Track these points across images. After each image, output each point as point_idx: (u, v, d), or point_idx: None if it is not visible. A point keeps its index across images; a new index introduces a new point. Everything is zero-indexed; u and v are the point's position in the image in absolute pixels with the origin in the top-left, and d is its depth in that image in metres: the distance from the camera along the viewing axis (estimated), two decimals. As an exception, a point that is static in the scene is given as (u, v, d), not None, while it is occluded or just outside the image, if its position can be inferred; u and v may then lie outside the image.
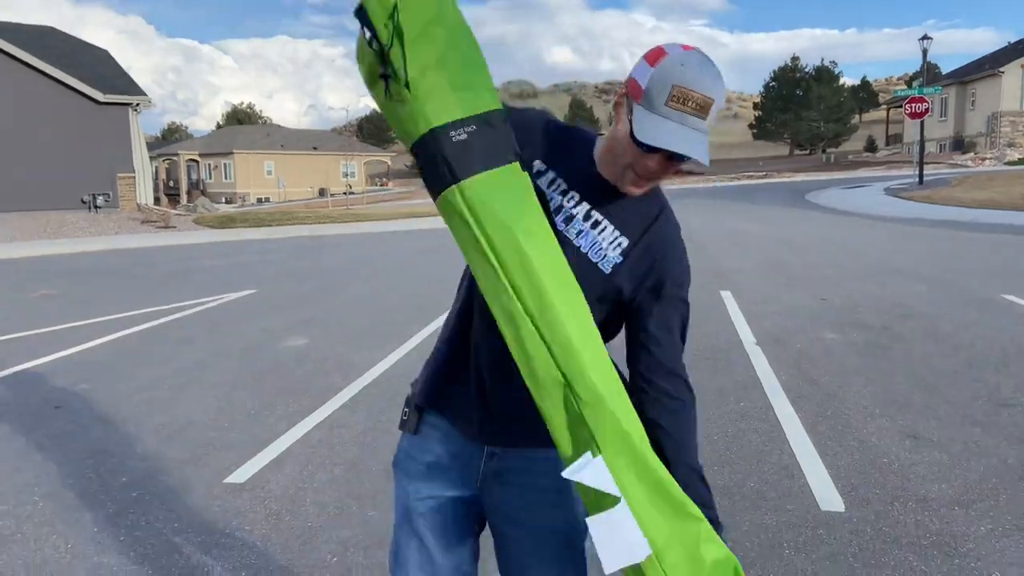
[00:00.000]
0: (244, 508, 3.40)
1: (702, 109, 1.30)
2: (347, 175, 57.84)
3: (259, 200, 51.08)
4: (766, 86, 70.24)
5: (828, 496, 3.40)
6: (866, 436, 4.10)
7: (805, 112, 63.92)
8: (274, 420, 4.55)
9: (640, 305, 1.46)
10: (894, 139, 58.45)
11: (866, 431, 4.17)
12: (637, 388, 1.44)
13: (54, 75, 23.02)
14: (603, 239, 1.44)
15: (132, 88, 25.72)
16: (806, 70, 67.68)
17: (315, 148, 58.78)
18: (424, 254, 13.79)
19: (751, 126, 72.56)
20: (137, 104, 25.11)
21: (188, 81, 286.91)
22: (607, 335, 1.47)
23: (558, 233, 1.40)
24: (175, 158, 55.53)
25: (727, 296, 8.28)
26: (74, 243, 17.55)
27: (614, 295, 1.46)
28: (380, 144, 72.11)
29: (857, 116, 73.93)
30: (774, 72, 69.25)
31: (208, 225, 23.24)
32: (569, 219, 1.45)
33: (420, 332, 6.78)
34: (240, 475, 3.76)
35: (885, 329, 6.58)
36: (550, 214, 1.41)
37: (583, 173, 1.46)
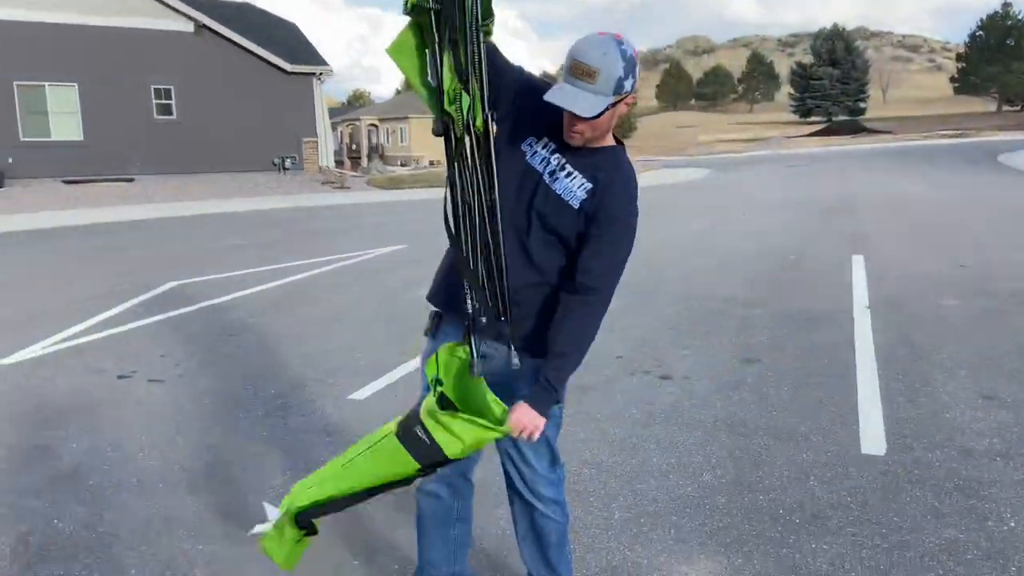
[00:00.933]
0: (362, 418, 4.14)
1: (587, 75, 1.78)
2: (514, 137, 58.91)
3: (431, 163, 53.45)
4: (972, 35, 63.89)
5: (874, 442, 3.63)
6: (939, 394, 4.22)
7: (1016, 63, 57.60)
8: (397, 354, 5.30)
9: (587, 230, 1.97)
10: (1123, 92, 51.44)
11: (942, 389, 4.28)
12: (563, 287, 2.00)
13: (250, 48, 25.38)
14: (574, 184, 1.97)
15: (316, 58, 27.82)
16: (1019, 17, 60.75)
17: (485, 111, 60.22)
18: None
19: (952, 79, 66.39)
20: (320, 73, 27.18)
21: (373, 48, 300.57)
22: None
23: (546, 186, 1.98)
24: (357, 123, 59.04)
25: (858, 260, 8.19)
26: (263, 200, 19.57)
27: (583, 227, 1.98)
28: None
29: (1079, 67, 65.53)
30: (982, 20, 62.78)
31: (378, 186, 24.96)
32: (552, 172, 1.99)
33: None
34: (361, 393, 4.52)
35: (1012, 296, 6.37)
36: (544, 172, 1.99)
37: (560, 137, 1.99)
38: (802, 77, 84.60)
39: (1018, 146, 32.36)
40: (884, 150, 39.59)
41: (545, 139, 2.00)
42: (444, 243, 2.08)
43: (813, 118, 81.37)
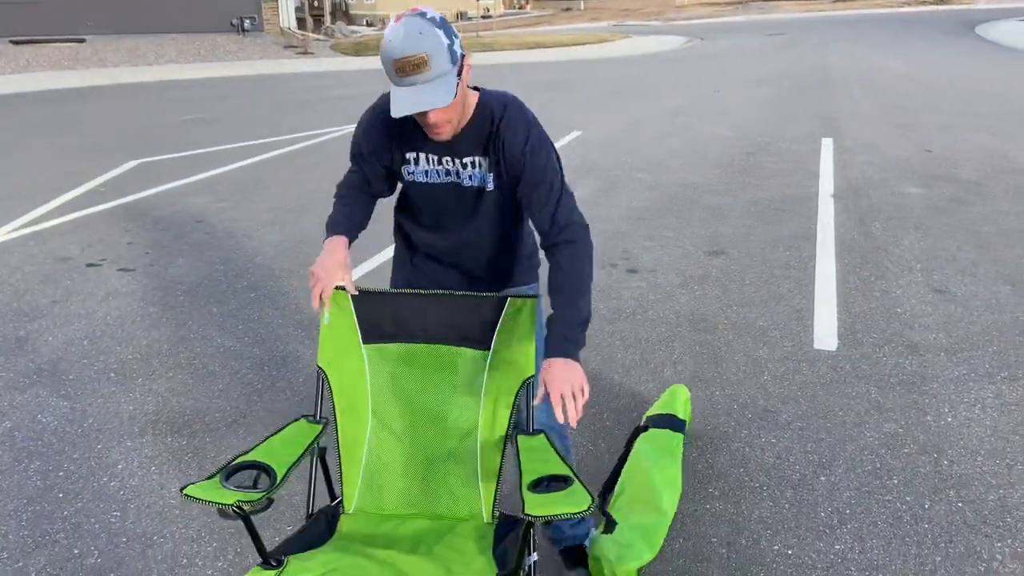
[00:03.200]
0: (333, 311, 4.22)
1: (418, 67, 1.59)
2: (485, -3, 56.50)
3: (398, 23, 51.17)
4: None
5: (826, 337, 3.82)
6: (892, 288, 4.40)
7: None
8: (373, 241, 5.32)
9: (520, 193, 1.87)
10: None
11: (895, 284, 4.46)
12: (541, 245, 1.92)
13: None
14: (475, 170, 1.85)
15: (272, -92, 26.01)
16: None
17: (454, -32, 57.31)
18: (536, 89, 13.99)
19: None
20: (278, -75, 25.50)
21: None
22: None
23: (454, 185, 1.88)
24: (318, -22, 55.87)
25: (827, 144, 8.22)
26: (223, 67, 18.81)
27: (508, 199, 1.90)
28: (520, -37, 69.17)
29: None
30: None
31: (344, 52, 24.02)
32: (452, 172, 1.87)
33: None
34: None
35: (975, 184, 6.51)
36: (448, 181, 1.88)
37: (428, 140, 1.82)
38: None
39: (996, 16, 31.81)
40: (864, 17, 38.67)
41: (417, 153, 1.87)
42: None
43: (794, -20, 78.46)
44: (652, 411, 2.95)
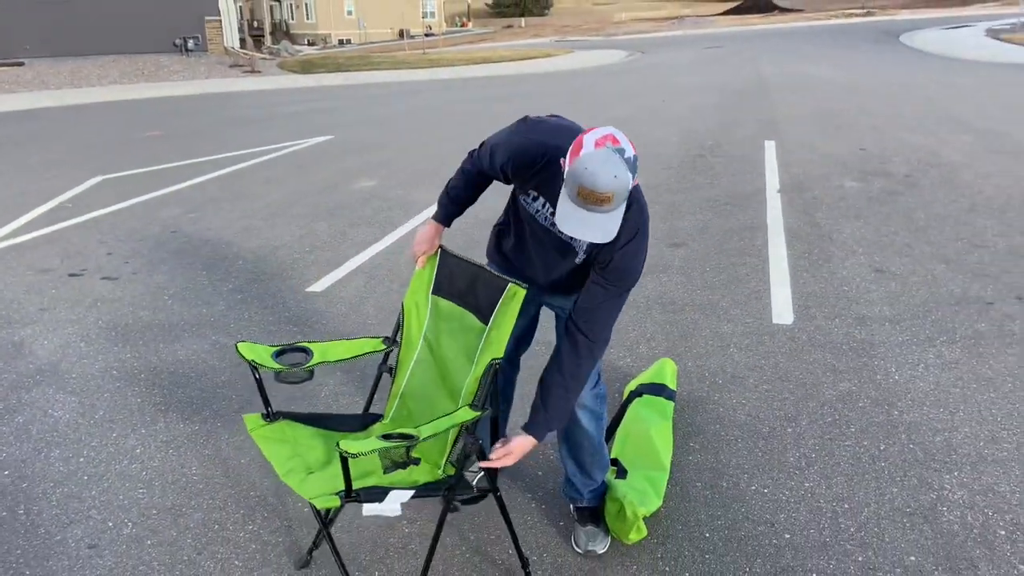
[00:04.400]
0: (320, 309, 4.41)
1: (602, 202, 1.75)
2: (426, 15, 56.97)
3: (340, 42, 51.26)
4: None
5: (783, 313, 4.16)
6: (839, 270, 4.78)
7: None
8: (346, 246, 5.53)
9: (592, 269, 2.04)
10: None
11: (841, 266, 4.85)
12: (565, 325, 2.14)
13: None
14: (580, 241, 2.06)
15: (213, -72, 25.95)
16: None
17: (395, -14, 57.65)
18: (490, 102, 14.32)
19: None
20: (218, -55, 25.45)
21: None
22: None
23: (553, 235, 2.12)
24: (257, -2, 55.60)
25: (770, 146, 8.70)
26: (171, 86, 18.71)
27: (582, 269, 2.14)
28: (460, -19, 69.86)
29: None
30: None
31: (291, 70, 24.05)
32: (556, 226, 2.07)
33: (476, 175, 7.59)
34: (318, 286, 4.77)
35: (906, 177, 7.01)
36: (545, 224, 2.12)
37: (553, 189, 2.03)
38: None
39: (919, 25, 33.40)
40: (795, 30, 40.17)
41: (539, 195, 2.08)
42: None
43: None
44: (643, 379, 3.23)
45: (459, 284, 2.28)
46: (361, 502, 1.85)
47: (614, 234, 1.81)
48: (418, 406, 2.30)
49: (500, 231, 2.40)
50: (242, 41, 34.46)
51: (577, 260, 2.13)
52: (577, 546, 2.45)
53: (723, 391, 3.37)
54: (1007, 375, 3.43)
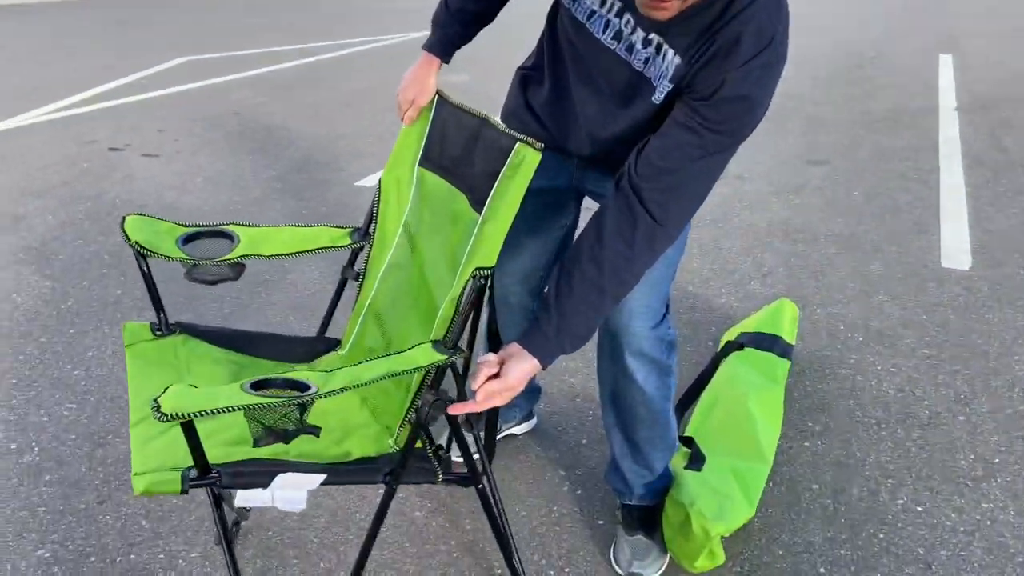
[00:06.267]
0: (363, 205, 3.68)
1: None
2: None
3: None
4: None
5: (956, 255, 3.09)
6: (1037, 206, 3.61)
7: None
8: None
9: (674, 108, 1.21)
10: None
11: (1041, 201, 3.66)
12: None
13: None
14: (657, 64, 1.20)
15: None
16: None
17: None
18: None
19: None
20: None
21: None
22: None
23: (617, 58, 1.24)
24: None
25: (945, 60, 7.20)
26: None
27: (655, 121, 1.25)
28: None
29: None
30: None
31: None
32: (626, 40, 1.23)
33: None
34: (369, 180, 4.03)
35: None
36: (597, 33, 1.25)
37: None
38: None
39: None
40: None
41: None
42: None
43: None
44: (749, 326, 2.31)
45: (452, 149, 1.44)
46: (223, 487, 1.09)
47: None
48: (388, 332, 1.51)
49: (526, 77, 1.52)
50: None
51: (655, 99, 1.23)
52: (617, 564, 1.63)
53: (864, 352, 2.41)
54: None
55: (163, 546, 1.69)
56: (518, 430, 2.04)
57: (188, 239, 1.51)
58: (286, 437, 1.06)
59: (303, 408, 1.06)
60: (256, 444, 1.07)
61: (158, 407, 0.92)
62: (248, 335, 1.56)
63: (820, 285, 2.85)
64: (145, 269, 1.46)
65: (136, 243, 1.42)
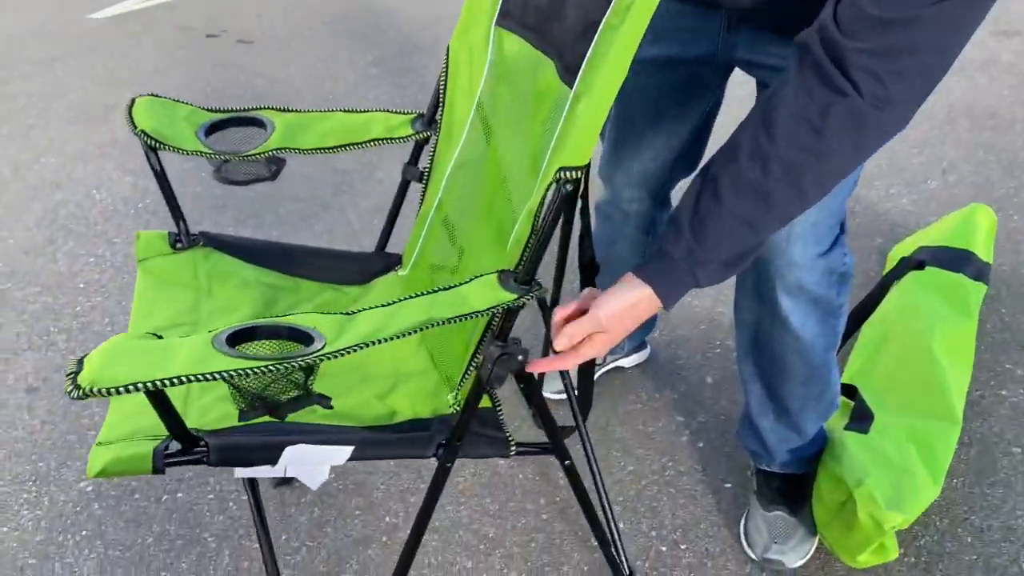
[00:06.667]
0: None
1: None
2: None
3: None
4: None
5: None
6: None
7: None
8: None
9: None
10: None
11: None
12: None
13: None
14: None
15: None
16: None
17: None
18: None
19: None
20: None
21: None
22: None
23: None
24: None
25: None
26: None
27: None
28: None
29: None
30: None
31: None
32: None
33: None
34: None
35: None
36: None
37: None
38: None
39: None
40: None
41: None
42: None
43: None
44: (930, 239, 1.82)
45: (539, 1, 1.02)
46: (211, 465, 0.80)
47: None
48: (459, 246, 1.16)
49: None
50: None
51: None
52: (750, 545, 1.28)
53: (1081, 274, 1.88)
54: None
55: (214, 486, 1.47)
56: (627, 362, 1.68)
57: (211, 128, 1.20)
58: (281, 409, 0.75)
59: (309, 370, 0.74)
60: (243, 416, 0.76)
61: (75, 374, 0.62)
62: (288, 249, 1.25)
63: (1018, 184, 2.29)
64: (156, 166, 1.16)
65: (142, 132, 1.11)
